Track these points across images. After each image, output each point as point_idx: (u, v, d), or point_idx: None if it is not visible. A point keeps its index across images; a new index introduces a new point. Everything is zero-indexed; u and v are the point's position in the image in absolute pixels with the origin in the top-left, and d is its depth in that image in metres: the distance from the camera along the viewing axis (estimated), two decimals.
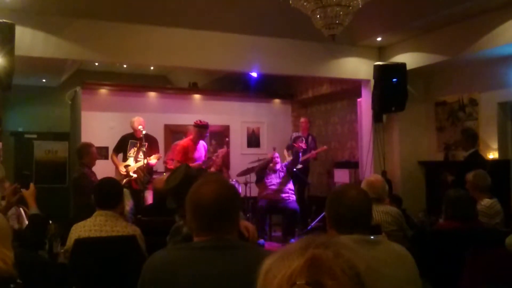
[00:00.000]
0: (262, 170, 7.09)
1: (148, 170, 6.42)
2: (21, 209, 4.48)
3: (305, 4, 3.33)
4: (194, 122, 6.49)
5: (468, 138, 5.78)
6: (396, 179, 7.18)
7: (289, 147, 8.03)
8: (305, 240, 0.88)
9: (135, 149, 6.42)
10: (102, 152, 7.21)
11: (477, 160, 5.58)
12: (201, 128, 6.36)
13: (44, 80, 10.09)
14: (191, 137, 6.53)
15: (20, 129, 9.98)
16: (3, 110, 9.09)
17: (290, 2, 3.42)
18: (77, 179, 5.38)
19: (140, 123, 6.32)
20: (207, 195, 1.61)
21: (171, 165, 6.74)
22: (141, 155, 6.36)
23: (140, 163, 6.31)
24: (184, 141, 6.60)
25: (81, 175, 5.32)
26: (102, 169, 5.78)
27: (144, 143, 6.23)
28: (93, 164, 5.54)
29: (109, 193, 3.13)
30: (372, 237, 1.89)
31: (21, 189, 3.44)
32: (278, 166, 7.08)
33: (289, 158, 7.86)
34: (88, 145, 5.55)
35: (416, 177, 7.32)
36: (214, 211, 1.61)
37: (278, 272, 0.83)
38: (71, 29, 5.75)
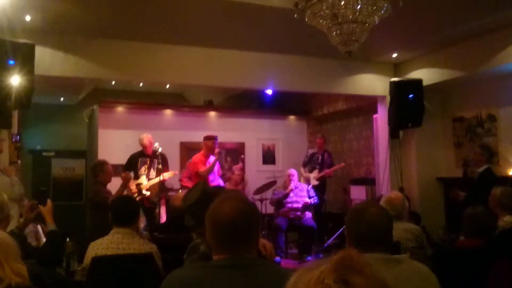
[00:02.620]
0: (280, 203, 7.07)
1: (160, 187, 6.43)
2: (38, 226, 4.52)
3: (321, 21, 3.34)
4: (204, 137, 6.86)
5: (484, 154, 5.76)
6: (414, 195, 7.08)
7: (306, 164, 8.02)
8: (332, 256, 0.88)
9: (146, 166, 6.43)
10: (119, 170, 7.21)
11: (490, 177, 5.56)
12: (207, 140, 6.73)
13: (62, 99, 10.24)
14: (202, 152, 6.78)
15: (38, 147, 10.10)
16: (22, 128, 9.23)
17: (306, 19, 3.43)
18: (93, 197, 5.39)
19: (150, 140, 6.38)
20: (227, 213, 1.59)
21: (187, 183, 6.78)
22: (152, 172, 6.37)
23: (153, 181, 6.31)
24: (196, 156, 6.80)
25: (96, 192, 5.33)
26: (117, 186, 5.77)
27: (159, 160, 6.25)
28: (109, 181, 5.45)
29: (126, 211, 3.15)
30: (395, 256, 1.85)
31: (38, 206, 3.45)
32: (294, 184, 7.04)
33: (306, 175, 7.85)
34: (103, 163, 5.48)
35: (435, 193, 7.21)
36: (234, 229, 1.58)
37: (306, 279, 0.83)
38: (89, 48, 5.85)
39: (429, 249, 3.53)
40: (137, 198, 6.04)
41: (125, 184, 5.46)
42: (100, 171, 5.32)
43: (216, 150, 6.59)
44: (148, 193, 6.29)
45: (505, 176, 6.21)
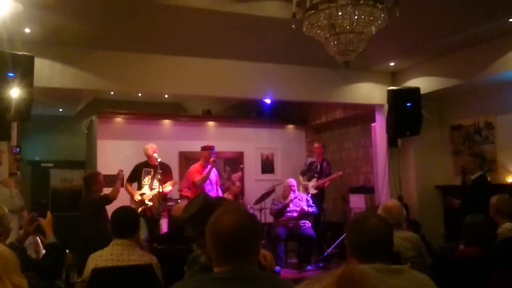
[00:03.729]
0: (280, 213, 7.05)
1: (163, 197, 6.43)
2: (37, 238, 4.50)
3: (318, 31, 3.35)
4: (201, 147, 6.86)
5: (476, 161, 5.80)
6: (413, 204, 7.08)
7: (304, 173, 8.02)
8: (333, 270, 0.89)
9: (149, 177, 6.43)
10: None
11: (484, 183, 5.61)
12: (204, 150, 6.73)
13: (60, 110, 10.26)
14: (200, 162, 6.78)
15: (37, 158, 10.10)
16: (20, 139, 9.24)
17: (304, 29, 3.45)
18: (90, 201, 5.45)
19: (154, 150, 6.38)
20: (228, 225, 1.60)
21: (186, 192, 6.78)
22: (155, 182, 6.37)
23: (155, 191, 6.32)
24: (194, 166, 6.80)
25: (93, 197, 5.42)
26: (117, 198, 5.78)
27: (159, 171, 6.26)
28: (101, 191, 5.67)
29: (126, 222, 3.14)
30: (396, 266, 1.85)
31: (38, 218, 3.45)
32: (295, 194, 7.03)
33: (304, 183, 7.86)
34: (96, 174, 5.70)
35: (433, 202, 7.21)
36: (235, 241, 1.59)
37: None
38: (88, 60, 5.87)
39: (429, 258, 3.53)
40: (140, 208, 6.05)
41: (121, 180, 5.85)
42: (94, 181, 5.50)
43: (212, 159, 6.57)
44: (150, 203, 6.29)
45: (503, 184, 6.23)
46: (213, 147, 6.80)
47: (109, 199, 5.51)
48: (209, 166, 6.59)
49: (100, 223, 5.26)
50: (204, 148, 6.78)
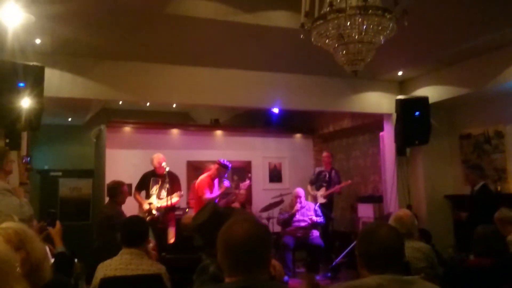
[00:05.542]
0: (287, 223, 7.03)
1: (170, 208, 6.41)
2: (46, 247, 4.50)
3: (327, 41, 3.36)
4: (219, 160, 6.73)
5: (475, 173, 5.76)
6: (422, 213, 7.03)
7: (313, 182, 8.01)
8: None
9: (157, 186, 6.41)
10: (128, 189, 7.24)
11: (487, 193, 5.63)
12: (224, 168, 6.66)
13: (70, 119, 10.33)
14: (209, 173, 6.72)
15: (46, 167, 10.15)
16: (29, 148, 9.30)
17: (312, 39, 3.46)
18: (111, 217, 5.35)
19: (160, 160, 6.34)
20: (239, 234, 1.59)
21: (195, 204, 6.76)
22: (163, 192, 6.34)
23: (163, 202, 6.27)
24: (204, 177, 6.74)
25: (117, 214, 5.33)
26: (125, 206, 5.78)
27: (167, 180, 6.24)
28: (124, 202, 5.55)
29: (135, 231, 3.15)
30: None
31: (48, 227, 3.48)
32: (302, 204, 7.01)
33: (313, 193, 7.84)
34: (122, 184, 5.56)
35: (443, 211, 7.15)
36: (247, 251, 1.58)
37: None
38: (97, 70, 5.92)
39: (440, 269, 3.50)
40: (147, 218, 6.03)
41: None
42: (120, 192, 5.37)
43: (226, 183, 6.60)
44: (157, 213, 6.26)
45: None
46: (230, 166, 6.77)
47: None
48: (217, 182, 6.60)
49: (108, 232, 5.23)
50: (221, 165, 6.69)
